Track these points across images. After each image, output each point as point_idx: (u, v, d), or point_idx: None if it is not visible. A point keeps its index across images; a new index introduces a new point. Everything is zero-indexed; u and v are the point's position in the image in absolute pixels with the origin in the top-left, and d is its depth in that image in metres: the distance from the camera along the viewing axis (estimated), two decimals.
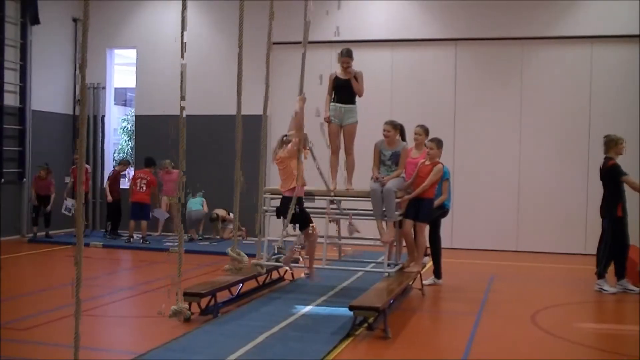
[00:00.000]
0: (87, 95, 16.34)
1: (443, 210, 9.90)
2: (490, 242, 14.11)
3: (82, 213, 3.66)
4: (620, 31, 13.47)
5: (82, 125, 3.41)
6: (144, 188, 14.14)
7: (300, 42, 7.72)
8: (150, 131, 15.50)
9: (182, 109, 4.04)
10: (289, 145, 7.72)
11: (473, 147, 14.36)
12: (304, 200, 7.98)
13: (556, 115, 14.00)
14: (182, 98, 3.94)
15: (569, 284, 10.49)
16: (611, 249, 9.68)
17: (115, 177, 14.90)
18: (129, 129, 21.00)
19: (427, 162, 8.95)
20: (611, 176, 9.77)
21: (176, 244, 13.38)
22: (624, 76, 13.55)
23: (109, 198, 14.52)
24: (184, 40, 3.74)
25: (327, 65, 12.54)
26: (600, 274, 9.73)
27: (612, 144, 9.87)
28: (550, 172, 14.00)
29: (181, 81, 3.85)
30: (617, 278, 9.73)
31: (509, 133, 14.23)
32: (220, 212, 14.61)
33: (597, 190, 13.59)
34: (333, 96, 8.95)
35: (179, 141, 4.73)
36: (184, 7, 3.69)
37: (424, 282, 9.65)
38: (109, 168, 17.04)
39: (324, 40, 13.25)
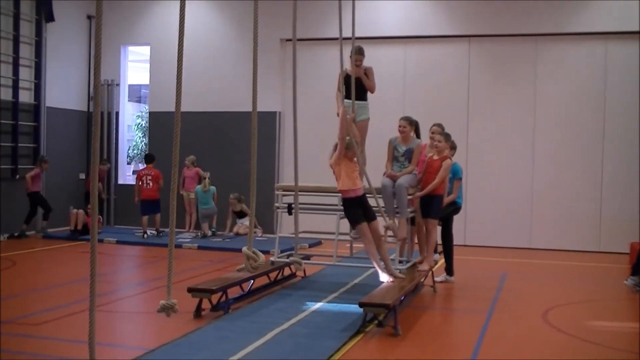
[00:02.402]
0: (101, 91, 16.45)
1: (455, 207, 9.87)
2: (503, 239, 14.05)
3: (96, 210, 3.68)
4: (635, 27, 13.34)
5: (95, 125, 3.43)
6: (151, 184, 14.28)
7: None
8: (163, 128, 15.56)
9: (178, 108, 4.04)
10: (336, 152, 8.04)
11: (486, 144, 14.31)
12: (357, 199, 7.99)
13: (570, 112, 13.92)
14: (179, 95, 3.94)
15: (582, 282, 10.44)
16: None
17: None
18: (143, 125, 21.10)
19: (436, 157, 8.92)
20: None
21: (188, 240, 13.54)
22: (638, 73, 13.44)
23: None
24: (183, 39, 3.76)
25: (334, 62, 12.57)
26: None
27: None
28: (564, 169, 13.92)
29: (177, 79, 3.86)
30: None
31: (522, 130, 14.17)
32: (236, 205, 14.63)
33: (611, 187, 13.59)
34: (344, 93, 8.94)
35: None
36: (182, 7, 3.70)
37: (435, 279, 9.63)
38: (123, 164, 17.16)
39: (333, 37, 13.26)
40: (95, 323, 3.19)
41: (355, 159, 8.00)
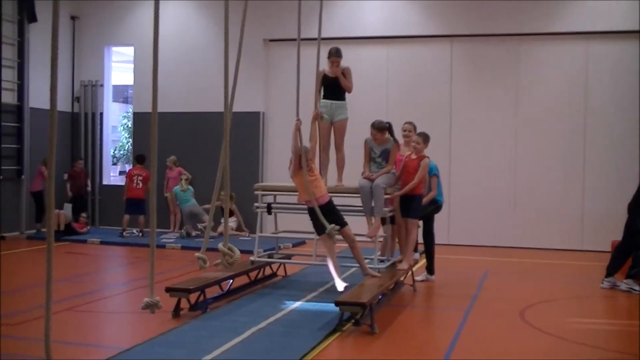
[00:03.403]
0: (85, 92, 16.43)
1: (436, 205, 9.90)
2: (486, 238, 14.12)
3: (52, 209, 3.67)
4: (616, 27, 13.47)
5: (51, 124, 3.43)
6: (140, 185, 14.37)
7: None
8: (148, 128, 15.51)
9: (154, 109, 4.04)
10: (290, 166, 7.99)
11: (469, 143, 14.37)
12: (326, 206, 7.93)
13: (552, 112, 14.00)
14: (155, 95, 3.94)
15: (563, 280, 10.51)
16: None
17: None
18: (129, 126, 21.08)
19: (414, 156, 8.97)
20: None
21: (171, 240, 13.54)
22: (620, 72, 13.56)
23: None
24: (157, 39, 3.76)
25: (322, 62, 12.61)
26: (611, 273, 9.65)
27: None
28: (546, 168, 14.00)
29: (153, 80, 3.86)
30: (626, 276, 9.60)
31: (504, 129, 14.24)
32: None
33: (593, 186, 13.67)
34: (322, 93, 8.98)
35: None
36: (157, 9, 3.70)
37: (416, 278, 9.68)
38: (107, 165, 17.14)
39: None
40: (50, 323, 3.18)
41: (312, 165, 7.94)
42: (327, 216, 7.81)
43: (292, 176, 8.00)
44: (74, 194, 15.24)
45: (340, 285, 7.74)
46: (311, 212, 7.89)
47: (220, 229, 14.72)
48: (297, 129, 7.88)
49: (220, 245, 4.99)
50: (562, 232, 13.84)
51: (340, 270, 8.04)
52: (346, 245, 8.38)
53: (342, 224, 7.97)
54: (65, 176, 15.42)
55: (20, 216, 14.95)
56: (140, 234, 14.44)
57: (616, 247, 9.77)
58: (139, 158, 15.03)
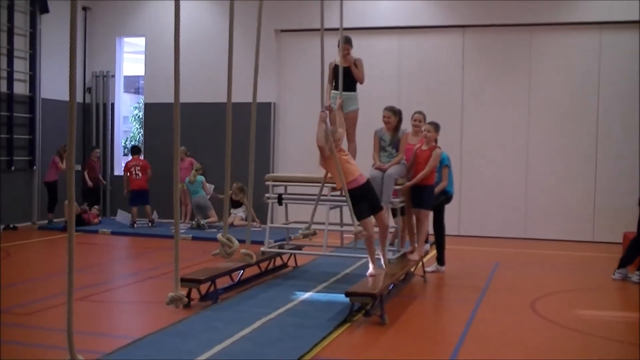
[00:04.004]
0: (96, 83, 16.47)
1: (446, 196, 9.88)
2: (498, 229, 14.07)
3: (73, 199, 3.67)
4: (630, 17, 13.33)
5: (71, 115, 3.42)
6: (140, 175, 14.47)
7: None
8: (159, 119, 15.58)
9: (177, 99, 4.02)
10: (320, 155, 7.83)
11: (481, 134, 14.31)
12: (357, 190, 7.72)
13: (565, 103, 13.92)
14: (177, 87, 3.92)
15: (574, 272, 10.47)
16: None
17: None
18: (140, 117, 21.12)
19: (425, 147, 8.95)
20: None
21: (182, 230, 13.61)
22: (633, 62, 13.42)
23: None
24: (179, 30, 3.75)
25: (334, 53, 12.60)
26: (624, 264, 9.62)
27: None
28: (558, 158, 13.93)
29: (175, 71, 3.86)
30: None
31: (516, 120, 14.17)
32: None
33: (605, 177, 13.60)
34: (333, 84, 8.95)
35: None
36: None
37: (426, 269, 9.67)
38: (118, 156, 17.20)
39: (331, 28, 13.25)
40: (72, 317, 3.18)
41: (340, 146, 7.84)
42: (362, 200, 7.67)
43: (323, 165, 7.91)
44: (93, 184, 15.43)
45: (373, 270, 7.78)
46: (351, 196, 7.59)
47: (230, 220, 14.79)
48: (323, 121, 7.71)
49: (219, 236, 4.96)
50: (573, 223, 13.78)
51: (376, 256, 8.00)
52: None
53: (377, 208, 7.85)
54: (78, 167, 15.47)
55: (32, 207, 15.04)
56: (149, 224, 14.49)
57: (631, 240, 9.72)
58: (134, 149, 15.24)
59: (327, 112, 7.95)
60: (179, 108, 3.95)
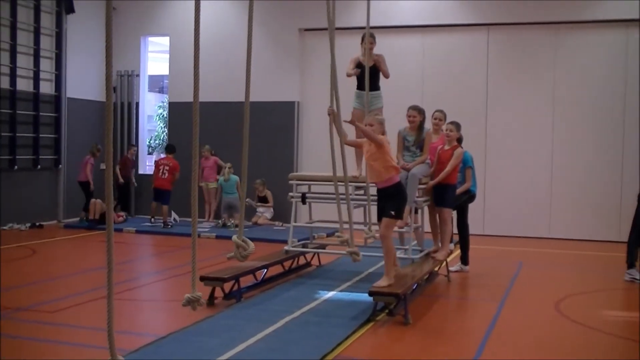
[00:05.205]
0: (121, 82, 16.58)
1: (469, 195, 9.83)
2: (522, 228, 13.98)
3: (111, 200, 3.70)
4: None
5: (108, 113, 3.46)
6: (166, 174, 14.48)
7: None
8: (183, 118, 15.63)
9: (196, 98, 4.04)
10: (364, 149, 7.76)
11: (505, 133, 14.22)
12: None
13: (590, 101, 13.78)
14: (196, 85, 3.94)
15: (599, 272, 10.38)
16: None
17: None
18: (165, 116, 21.25)
19: (447, 147, 8.92)
20: None
21: (206, 229, 13.64)
22: None
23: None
24: (199, 29, 3.76)
25: (357, 51, 12.60)
26: (631, 264, 9.55)
27: None
28: (583, 158, 13.80)
29: (195, 69, 3.89)
30: None
31: (541, 119, 14.06)
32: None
33: (632, 176, 13.44)
34: (357, 83, 8.93)
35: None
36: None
37: (450, 268, 9.63)
38: (143, 154, 17.30)
39: (354, 27, 13.26)
40: (113, 318, 3.20)
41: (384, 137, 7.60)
42: (385, 201, 7.48)
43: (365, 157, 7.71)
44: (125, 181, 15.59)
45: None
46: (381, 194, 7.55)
47: (254, 219, 14.83)
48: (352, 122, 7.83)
49: (234, 237, 4.93)
50: (599, 223, 13.64)
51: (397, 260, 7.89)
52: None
53: (388, 214, 7.44)
54: (103, 165, 15.59)
55: (58, 205, 15.19)
56: (163, 225, 14.32)
57: (629, 237, 9.67)
58: (168, 148, 15.15)
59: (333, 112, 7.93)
60: (197, 106, 3.97)
